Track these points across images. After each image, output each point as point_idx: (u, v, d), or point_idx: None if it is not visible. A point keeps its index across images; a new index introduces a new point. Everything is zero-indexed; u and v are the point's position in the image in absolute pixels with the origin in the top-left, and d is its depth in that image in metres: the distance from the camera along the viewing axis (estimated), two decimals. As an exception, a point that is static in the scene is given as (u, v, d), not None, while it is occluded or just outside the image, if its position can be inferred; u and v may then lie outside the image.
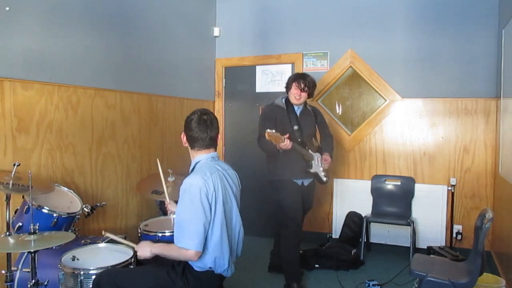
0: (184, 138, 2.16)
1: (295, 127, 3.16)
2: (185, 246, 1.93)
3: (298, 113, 3.24)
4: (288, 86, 3.20)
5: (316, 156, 3.25)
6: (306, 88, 3.12)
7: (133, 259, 2.21)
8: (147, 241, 2.17)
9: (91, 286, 2.03)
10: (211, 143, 2.14)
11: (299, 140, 3.12)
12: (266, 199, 4.57)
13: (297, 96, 3.14)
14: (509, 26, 3.12)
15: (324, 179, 3.33)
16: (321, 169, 3.29)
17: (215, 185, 2.01)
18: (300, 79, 3.13)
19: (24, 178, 2.24)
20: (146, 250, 2.06)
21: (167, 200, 2.54)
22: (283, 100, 3.24)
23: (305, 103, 3.28)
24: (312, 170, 3.20)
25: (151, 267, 2.08)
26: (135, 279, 2.03)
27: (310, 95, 3.21)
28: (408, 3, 4.03)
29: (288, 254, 3.18)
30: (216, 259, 2.01)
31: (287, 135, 2.87)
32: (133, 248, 2.18)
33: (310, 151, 3.20)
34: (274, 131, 2.72)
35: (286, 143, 2.84)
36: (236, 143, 4.78)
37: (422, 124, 4.06)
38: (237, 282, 3.20)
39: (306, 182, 3.25)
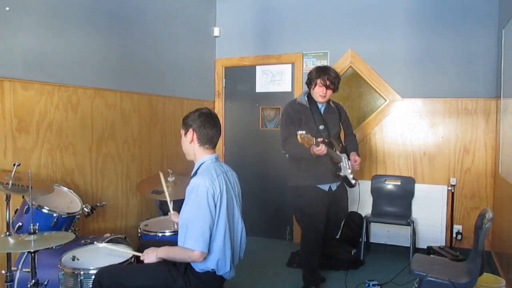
0: (193, 135, 2.07)
1: (321, 127, 2.92)
2: (190, 246, 1.92)
3: (322, 112, 3.01)
4: (310, 83, 2.95)
5: (343, 157, 3.04)
6: (332, 85, 2.87)
7: (133, 259, 2.21)
8: (151, 248, 2.13)
9: (91, 285, 2.02)
10: (216, 143, 2.15)
11: (326, 141, 2.85)
12: (267, 198, 4.58)
13: (322, 94, 2.90)
14: (509, 26, 3.12)
15: (353, 181, 3.09)
16: (349, 171, 3.06)
17: (221, 187, 2.01)
18: (324, 74, 2.86)
19: (24, 178, 2.24)
20: (151, 256, 2.05)
21: (171, 211, 2.51)
22: (306, 97, 3.00)
23: (328, 99, 3.04)
24: (341, 174, 2.97)
25: (153, 265, 2.08)
26: (136, 275, 2.02)
27: (335, 90, 2.94)
28: (408, 3, 4.03)
29: (308, 260, 3.11)
30: (219, 261, 2.01)
31: (321, 138, 2.66)
32: (138, 257, 2.16)
33: (337, 152, 2.98)
34: (304, 132, 2.48)
35: (321, 148, 2.62)
36: (236, 143, 4.78)
37: (422, 124, 4.06)
38: (237, 282, 3.19)
39: (334, 186, 3.03)
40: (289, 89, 4.49)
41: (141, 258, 2.10)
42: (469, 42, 3.85)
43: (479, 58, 3.83)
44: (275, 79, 4.59)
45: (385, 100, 4.18)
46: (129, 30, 3.43)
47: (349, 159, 3.13)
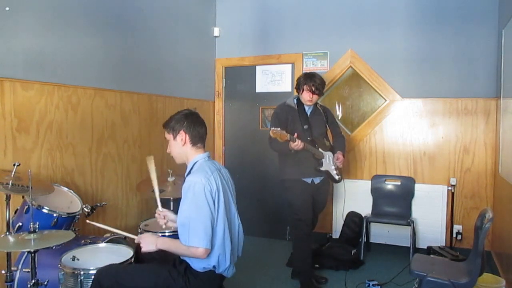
0: (185, 137, 2.09)
1: (305, 127, 3.19)
2: (194, 244, 1.92)
3: (308, 113, 3.28)
4: (299, 88, 3.23)
5: (328, 154, 3.26)
6: (317, 90, 3.15)
7: (132, 259, 2.20)
8: (150, 233, 2.10)
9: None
10: (205, 142, 2.16)
11: (308, 138, 3.15)
12: (267, 198, 4.59)
13: (309, 99, 3.18)
14: (509, 26, 3.12)
15: (337, 177, 3.34)
16: (333, 167, 3.30)
17: (217, 183, 2.01)
18: (310, 81, 3.14)
19: (24, 178, 2.24)
20: (151, 244, 2.03)
21: (159, 208, 2.29)
22: (295, 100, 3.27)
23: (315, 103, 3.32)
24: (322, 169, 3.21)
25: (153, 265, 2.08)
26: (136, 276, 2.02)
27: (320, 95, 3.24)
28: (408, 3, 4.03)
29: (300, 252, 3.23)
30: (220, 257, 2.01)
31: (296, 134, 2.92)
32: (138, 258, 2.13)
33: (320, 149, 3.21)
34: (279, 129, 2.79)
35: (297, 143, 2.90)
36: (236, 143, 4.78)
37: (422, 124, 4.06)
38: (237, 282, 3.19)
39: (317, 180, 3.27)
40: (289, 89, 4.49)
41: (136, 241, 2.07)
42: (469, 42, 3.85)
43: (479, 58, 3.83)
44: (275, 79, 4.59)
45: (385, 100, 4.18)
46: (129, 30, 3.43)
47: (334, 157, 3.34)
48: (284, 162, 3.24)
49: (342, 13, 4.26)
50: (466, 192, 3.92)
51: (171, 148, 2.16)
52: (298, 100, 3.27)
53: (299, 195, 3.17)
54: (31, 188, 2.06)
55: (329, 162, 3.27)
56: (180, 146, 2.11)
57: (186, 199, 1.97)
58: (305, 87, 3.16)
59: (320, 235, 4.22)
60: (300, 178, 3.19)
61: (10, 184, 2.19)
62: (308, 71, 3.33)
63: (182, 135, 2.09)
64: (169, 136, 2.14)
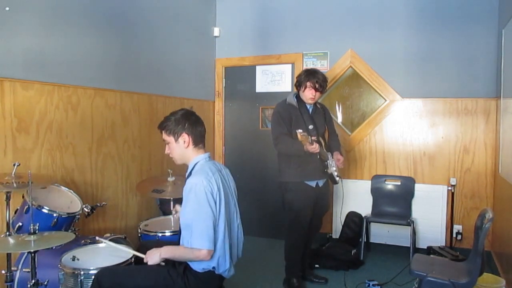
0: (189, 139, 2.06)
1: (310, 126, 3.08)
2: (197, 246, 1.91)
3: (310, 112, 3.17)
4: (300, 85, 3.10)
5: (329, 155, 3.19)
6: (321, 88, 3.04)
7: (132, 259, 2.20)
8: (153, 249, 2.08)
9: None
10: (205, 140, 2.15)
11: (315, 139, 2.97)
12: (267, 198, 4.59)
13: (311, 96, 3.07)
14: (509, 26, 3.12)
15: (337, 178, 3.27)
16: (334, 168, 3.23)
17: (218, 184, 2.01)
18: (313, 78, 3.02)
19: (24, 177, 2.24)
20: (155, 257, 2.02)
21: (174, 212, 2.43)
22: (295, 98, 3.15)
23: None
24: (329, 171, 3.15)
25: (152, 265, 2.08)
26: (136, 276, 2.02)
27: (323, 92, 3.14)
28: (408, 3, 4.03)
29: (291, 253, 3.20)
30: (220, 258, 2.01)
31: (315, 137, 2.82)
32: (142, 258, 2.11)
33: (324, 150, 3.12)
34: (301, 130, 2.65)
35: (315, 146, 2.79)
36: (236, 143, 4.78)
37: (422, 124, 4.06)
38: (237, 282, 3.19)
39: (321, 183, 3.17)
40: (289, 89, 4.49)
41: (145, 261, 2.06)
42: (469, 42, 3.85)
43: (479, 58, 3.83)
44: (275, 79, 4.59)
45: (385, 100, 4.18)
46: (129, 30, 3.43)
47: (332, 157, 3.27)
48: (287, 164, 3.10)
49: (342, 13, 4.26)
50: (466, 192, 3.92)
51: (173, 151, 2.12)
52: (298, 98, 3.15)
53: (301, 197, 3.07)
54: (31, 187, 2.06)
55: (331, 164, 3.19)
56: (183, 149, 2.09)
57: (188, 201, 1.97)
58: (308, 84, 3.04)
59: (320, 235, 4.20)
60: (303, 181, 3.08)
61: (13, 183, 2.18)
62: (309, 68, 3.21)
63: (184, 137, 2.07)
64: (169, 139, 2.09)
